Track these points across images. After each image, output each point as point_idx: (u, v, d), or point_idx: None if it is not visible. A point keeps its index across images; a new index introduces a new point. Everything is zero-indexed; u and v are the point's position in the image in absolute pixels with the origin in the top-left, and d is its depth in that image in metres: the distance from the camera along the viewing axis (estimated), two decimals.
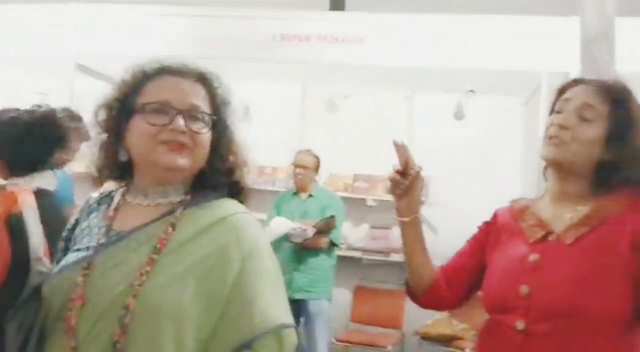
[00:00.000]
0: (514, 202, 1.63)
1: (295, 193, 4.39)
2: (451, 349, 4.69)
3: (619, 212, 1.42)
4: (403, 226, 1.63)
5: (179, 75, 1.30)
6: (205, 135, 1.27)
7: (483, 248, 1.61)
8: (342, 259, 4.42)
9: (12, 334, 1.21)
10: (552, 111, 1.54)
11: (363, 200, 5.37)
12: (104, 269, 1.19)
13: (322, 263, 4.17)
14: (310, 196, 4.35)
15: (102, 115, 1.31)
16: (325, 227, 4.13)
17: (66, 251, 1.31)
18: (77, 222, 1.35)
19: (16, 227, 1.29)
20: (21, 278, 1.25)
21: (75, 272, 1.20)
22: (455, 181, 5.08)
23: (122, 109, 1.29)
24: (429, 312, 4.81)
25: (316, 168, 4.40)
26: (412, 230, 1.63)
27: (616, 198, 1.44)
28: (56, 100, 5.24)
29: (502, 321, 1.46)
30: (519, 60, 3.89)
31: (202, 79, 1.32)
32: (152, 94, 1.27)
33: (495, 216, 1.65)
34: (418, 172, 1.55)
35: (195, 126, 1.25)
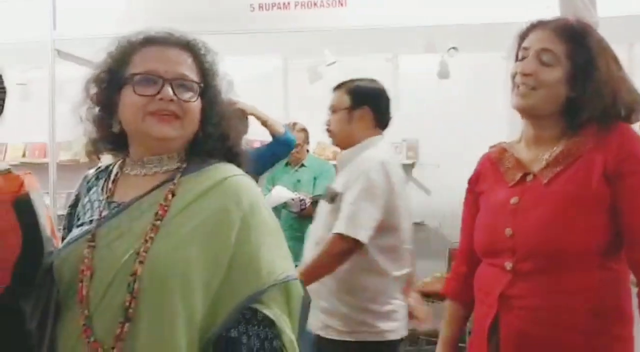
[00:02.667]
0: (491, 148, 1.67)
1: (287, 164, 4.40)
2: None
3: (590, 148, 1.46)
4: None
5: (165, 44, 1.31)
6: (194, 103, 1.28)
7: (477, 211, 1.63)
8: None
9: (29, 313, 1.24)
10: (515, 59, 1.57)
11: None
12: (109, 240, 1.22)
13: None
14: (302, 165, 4.37)
15: (93, 88, 1.32)
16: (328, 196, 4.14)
17: (70, 227, 1.34)
18: (77, 199, 1.38)
19: (25, 210, 1.31)
20: (35, 259, 1.27)
21: (81, 245, 1.24)
22: (443, 140, 5.10)
23: (111, 81, 1.30)
24: (427, 270, 4.91)
25: (307, 140, 4.43)
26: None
27: (586, 134, 1.48)
28: (36, 88, 5.21)
29: (493, 263, 1.52)
30: (500, 13, 3.86)
31: (189, 46, 1.33)
32: (139, 64, 1.28)
33: (476, 169, 1.67)
34: None
35: (184, 95, 1.27)
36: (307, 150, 4.52)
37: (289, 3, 3.96)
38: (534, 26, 1.56)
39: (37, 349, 1.24)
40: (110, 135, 1.33)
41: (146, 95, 1.24)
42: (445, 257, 4.98)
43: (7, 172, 1.35)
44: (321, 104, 5.16)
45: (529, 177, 1.52)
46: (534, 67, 1.49)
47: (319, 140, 5.18)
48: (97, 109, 1.32)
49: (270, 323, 1.20)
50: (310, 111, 4.80)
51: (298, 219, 4.16)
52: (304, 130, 4.38)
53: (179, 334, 1.16)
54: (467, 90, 5.13)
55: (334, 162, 4.87)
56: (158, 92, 1.24)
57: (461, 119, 5.05)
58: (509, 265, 1.47)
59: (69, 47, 4.29)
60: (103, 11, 4.21)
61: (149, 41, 1.31)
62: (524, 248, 1.46)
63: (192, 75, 1.30)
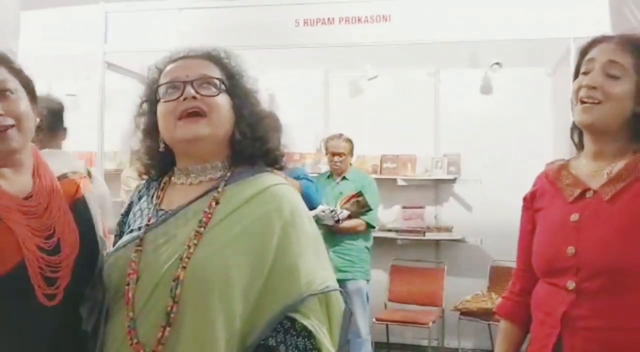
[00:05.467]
0: (549, 166, 1.63)
1: (329, 176, 4.41)
2: (493, 323, 4.68)
3: None
4: None
5: (185, 58, 1.37)
6: (219, 97, 1.32)
7: (534, 229, 1.60)
8: (375, 239, 4.44)
9: (85, 316, 1.29)
10: (577, 74, 1.53)
11: (393, 180, 5.37)
12: (155, 245, 1.26)
13: (358, 245, 4.18)
14: (344, 178, 4.36)
15: (140, 121, 1.40)
16: (358, 208, 4.13)
17: (121, 234, 1.39)
18: (129, 207, 1.44)
19: (82, 212, 1.37)
20: (92, 259, 1.33)
21: (129, 250, 1.28)
22: (485, 156, 5.04)
23: (150, 107, 1.38)
24: (468, 288, 4.84)
25: (352, 152, 4.42)
26: None
27: None
28: (85, 99, 5.37)
29: (554, 283, 1.48)
30: (545, 28, 3.81)
31: (209, 55, 1.38)
32: (163, 79, 1.35)
33: (532, 187, 1.64)
34: None
35: (206, 91, 1.31)
36: (351, 163, 4.49)
37: (333, 18, 4.00)
38: (599, 40, 1.51)
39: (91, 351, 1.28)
40: (159, 155, 1.39)
41: (172, 100, 1.30)
42: (487, 275, 4.90)
43: (65, 176, 1.41)
44: (361, 118, 5.24)
45: (589, 193, 1.47)
46: (600, 80, 1.45)
47: (358, 154, 5.19)
48: (146, 138, 1.39)
49: (309, 334, 1.20)
50: (350, 124, 4.84)
51: (334, 233, 4.08)
52: (349, 141, 4.37)
53: (218, 340, 1.17)
54: (510, 106, 5.07)
55: (373, 175, 4.88)
56: (181, 94, 1.29)
57: (503, 135, 4.99)
58: (571, 284, 1.42)
59: (118, 60, 4.43)
60: (152, 26, 4.33)
61: (172, 59, 1.38)
62: (588, 267, 1.41)
63: (214, 74, 1.34)
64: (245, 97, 1.37)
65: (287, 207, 1.29)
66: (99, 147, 4.33)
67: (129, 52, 4.34)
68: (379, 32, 3.99)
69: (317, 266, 1.27)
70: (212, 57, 1.38)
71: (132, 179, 3.91)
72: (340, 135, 4.37)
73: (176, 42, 4.19)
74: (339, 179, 4.37)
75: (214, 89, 1.32)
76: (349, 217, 4.10)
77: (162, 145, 1.36)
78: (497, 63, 4.98)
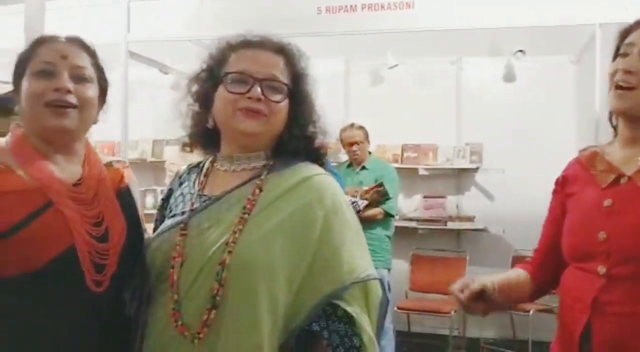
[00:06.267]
0: (581, 152, 1.62)
1: (349, 165, 4.41)
2: (515, 313, 4.66)
3: None
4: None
5: (260, 48, 1.38)
6: (281, 104, 1.34)
7: (563, 213, 1.59)
8: (396, 229, 4.43)
9: (128, 299, 1.34)
10: (615, 56, 1.50)
11: (414, 170, 5.35)
12: (200, 230, 1.29)
13: (378, 234, 4.18)
14: (364, 168, 4.36)
15: (194, 86, 1.41)
16: (378, 197, 4.12)
17: (162, 219, 1.42)
18: (170, 193, 1.47)
19: (126, 199, 1.41)
20: (137, 245, 1.36)
21: (173, 234, 1.31)
22: (508, 145, 4.99)
23: (209, 79, 1.39)
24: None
25: (367, 139, 4.40)
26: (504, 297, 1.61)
27: None
28: (110, 89, 5.41)
29: (584, 268, 1.46)
30: (570, 14, 3.74)
31: (283, 51, 1.39)
32: (234, 64, 1.36)
33: (564, 172, 1.63)
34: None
35: (272, 95, 1.33)
36: (369, 152, 4.49)
37: (355, 6, 3.96)
38: (639, 24, 1.49)
39: (133, 334, 1.32)
40: (204, 131, 1.40)
41: (237, 93, 1.32)
42: (509, 265, 4.87)
43: (110, 165, 1.45)
44: (382, 107, 5.22)
45: (623, 180, 1.45)
46: (637, 65, 1.42)
47: (378, 143, 5.18)
48: (196, 105, 1.41)
49: (350, 320, 1.24)
50: (371, 114, 4.82)
51: None
52: (362, 128, 4.36)
53: (262, 324, 1.21)
54: (534, 94, 5.01)
55: (394, 165, 4.86)
56: (248, 91, 1.31)
57: (527, 124, 4.93)
58: (602, 269, 1.41)
59: (140, 49, 4.45)
60: (174, 15, 4.34)
61: (246, 44, 1.38)
62: (620, 252, 1.40)
63: (282, 77, 1.36)
64: (304, 101, 1.40)
65: (328, 197, 1.32)
66: (122, 136, 4.37)
67: (150, 42, 4.37)
68: (401, 19, 3.95)
69: (357, 255, 1.31)
70: (286, 54, 1.39)
71: (173, 165, 3.97)
72: (352, 124, 4.37)
73: (198, 32, 4.22)
74: (358, 168, 4.37)
75: (279, 96, 1.34)
76: (368, 205, 4.11)
77: (211, 122, 1.38)
78: (521, 50, 4.92)
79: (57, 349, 1.21)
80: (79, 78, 1.32)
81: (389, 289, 4.22)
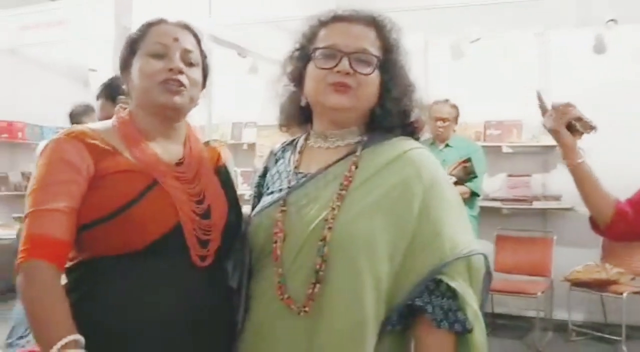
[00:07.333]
0: None
1: (433, 143, 4.30)
2: (607, 295, 4.48)
3: None
4: (571, 168, 1.65)
5: (349, 21, 1.36)
6: (371, 76, 1.32)
7: None
8: (480, 209, 4.33)
9: (230, 272, 1.39)
10: None
11: (498, 147, 5.20)
12: (299, 206, 1.31)
13: None
14: (447, 146, 4.25)
15: (288, 66, 1.42)
16: (464, 174, 4.01)
17: (259, 196, 1.45)
18: (265, 170, 1.49)
19: (225, 177, 1.46)
20: (237, 222, 1.41)
21: (273, 210, 1.33)
22: (599, 121, 4.73)
23: (301, 57, 1.39)
24: (578, 258, 4.62)
25: (456, 120, 4.30)
26: (579, 171, 1.64)
27: None
28: None
29: None
30: None
31: (374, 22, 1.36)
32: (323, 40, 1.35)
33: None
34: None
35: (361, 68, 1.30)
36: (454, 130, 4.36)
37: None
38: None
39: (237, 305, 1.36)
40: (298, 109, 1.41)
41: (325, 68, 1.31)
42: (599, 245, 4.67)
43: (207, 143, 1.50)
44: (463, 83, 5.07)
45: None
46: None
47: (460, 121, 5.04)
48: (291, 85, 1.41)
49: (453, 295, 1.23)
50: (451, 90, 4.71)
51: None
52: (455, 107, 4.25)
53: (366, 298, 1.21)
54: (627, 67, 4.73)
55: (478, 142, 4.73)
56: (336, 65, 1.30)
57: (618, 98, 4.66)
58: None
59: (218, 33, 4.53)
60: None
61: (336, 18, 1.36)
62: None
63: (373, 49, 1.33)
64: (396, 73, 1.37)
65: (426, 172, 1.30)
66: (207, 120, 4.48)
67: (228, 26, 4.44)
68: None
69: (458, 230, 1.29)
70: (377, 25, 1.37)
71: (265, 147, 4.07)
72: (446, 100, 4.25)
73: (277, 14, 4.25)
74: (442, 146, 4.26)
75: (368, 68, 1.32)
76: (455, 183, 4.01)
77: (304, 100, 1.38)
78: (612, 20, 4.65)
79: (165, 321, 1.26)
80: (188, 61, 1.36)
81: None
